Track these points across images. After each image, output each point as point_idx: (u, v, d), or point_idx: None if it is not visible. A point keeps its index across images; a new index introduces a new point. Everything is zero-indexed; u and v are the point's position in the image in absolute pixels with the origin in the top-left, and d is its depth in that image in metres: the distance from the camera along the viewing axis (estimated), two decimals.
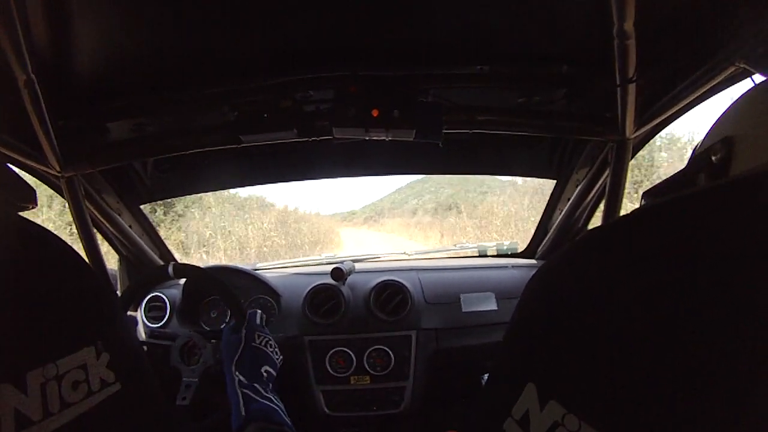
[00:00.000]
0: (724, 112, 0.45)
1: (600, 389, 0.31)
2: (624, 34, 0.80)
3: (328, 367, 1.30)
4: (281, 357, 0.89)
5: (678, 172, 0.49)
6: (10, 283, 0.39)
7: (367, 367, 1.30)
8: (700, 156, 0.46)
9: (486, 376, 1.36)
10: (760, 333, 0.27)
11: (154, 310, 1.40)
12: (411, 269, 1.53)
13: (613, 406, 0.30)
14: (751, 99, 0.44)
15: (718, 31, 0.80)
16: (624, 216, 0.41)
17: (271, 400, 0.77)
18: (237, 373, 0.79)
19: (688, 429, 0.28)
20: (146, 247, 1.55)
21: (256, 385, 0.78)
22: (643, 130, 1.06)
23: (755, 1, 0.73)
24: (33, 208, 0.59)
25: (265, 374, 0.82)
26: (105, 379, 0.43)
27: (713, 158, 0.43)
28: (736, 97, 0.45)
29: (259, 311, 0.93)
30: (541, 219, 1.71)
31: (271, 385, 0.82)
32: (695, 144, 0.49)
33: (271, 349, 0.87)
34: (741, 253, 0.29)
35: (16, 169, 1.07)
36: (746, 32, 0.74)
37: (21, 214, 0.45)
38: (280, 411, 0.76)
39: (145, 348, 1.11)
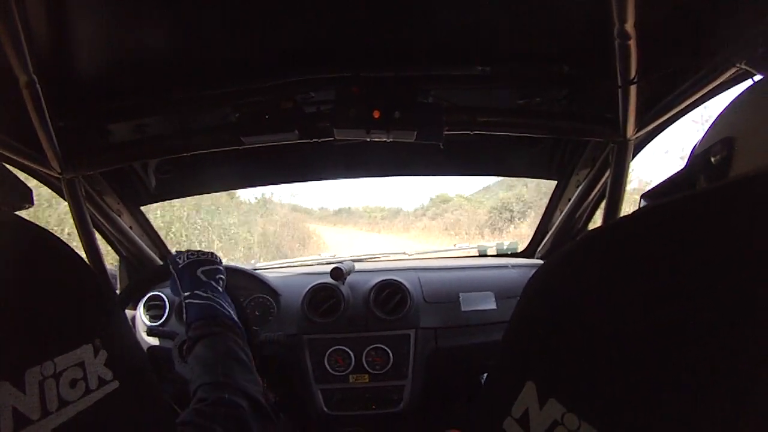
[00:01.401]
0: (721, 112, 0.45)
1: (600, 388, 0.31)
2: (625, 34, 0.80)
3: (327, 366, 1.30)
4: (214, 253, 0.88)
5: (677, 172, 0.49)
6: (7, 281, 0.39)
7: (366, 365, 1.30)
8: (699, 157, 0.45)
9: (485, 375, 1.36)
10: (759, 333, 0.27)
11: (154, 308, 1.40)
12: (411, 269, 1.53)
13: (612, 405, 0.30)
14: (751, 99, 0.44)
15: (719, 32, 0.80)
16: (624, 217, 0.41)
17: (210, 299, 0.76)
18: (184, 293, 0.79)
19: (687, 428, 0.28)
20: (146, 248, 1.55)
21: (196, 291, 0.78)
22: (644, 131, 1.06)
23: (755, 1, 0.73)
24: (30, 207, 0.59)
25: (202, 275, 0.81)
26: (103, 377, 0.43)
27: (713, 159, 0.43)
28: (734, 97, 0.44)
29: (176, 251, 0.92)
30: (541, 219, 1.71)
31: (216, 284, 0.81)
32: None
33: (195, 257, 0.85)
34: (741, 255, 0.29)
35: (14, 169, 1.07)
36: (747, 33, 0.74)
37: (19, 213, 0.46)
38: (217, 306, 0.75)
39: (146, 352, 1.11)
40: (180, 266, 0.84)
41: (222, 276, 0.85)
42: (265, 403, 0.64)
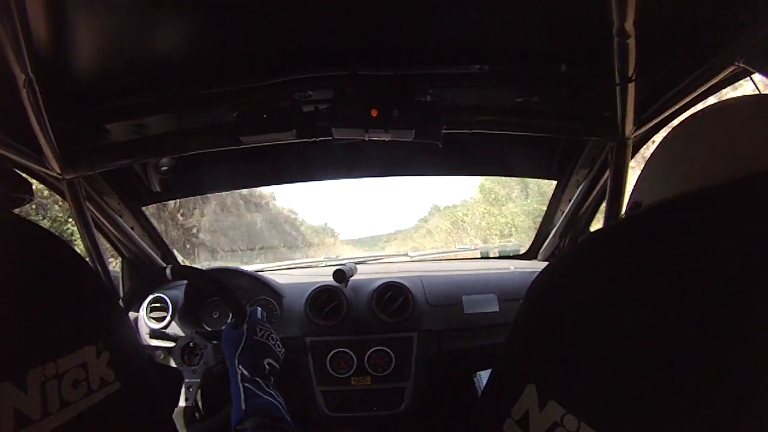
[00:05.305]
0: (638, 177, 0.49)
1: (599, 390, 0.31)
2: (624, 33, 0.80)
3: (329, 368, 1.30)
4: (284, 350, 0.89)
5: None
6: (11, 282, 0.39)
7: (368, 367, 1.30)
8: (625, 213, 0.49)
9: (479, 375, 1.36)
10: (759, 335, 0.27)
11: (156, 310, 1.40)
12: (413, 271, 1.53)
13: (612, 407, 0.30)
14: (651, 169, 0.47)
15: (718, 31, 0.80)
16: (626, 218, 0.41)
17: (273, 396, 0.77)
18: (240, 366, 0.79)
19: (686, 429, 0.28)
20: (148, 249, 1.55)
21: (258, 379, 0.78)
22: (642, 129, 1.06)
23: (755, 0, 0.73)
24: (30, 200, 0.58)
25: (267, 367, 0.82)
26: (105, 378, 0.43)
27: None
28: (644, 166, 0.48)
29: (260, 308, 0.93)
30: (542, 220, 1.71)
31: (272, 379, 0.82)
32: None
33: (273, 342, 0.87)
34: (741, 254, 0.29)
35: None
36: (746, 31, 0.74)
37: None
38: (280, 407, 0.77)
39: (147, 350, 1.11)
40: (254, 336, 0.84)
41: (276, 375, 0.85)
42: None
